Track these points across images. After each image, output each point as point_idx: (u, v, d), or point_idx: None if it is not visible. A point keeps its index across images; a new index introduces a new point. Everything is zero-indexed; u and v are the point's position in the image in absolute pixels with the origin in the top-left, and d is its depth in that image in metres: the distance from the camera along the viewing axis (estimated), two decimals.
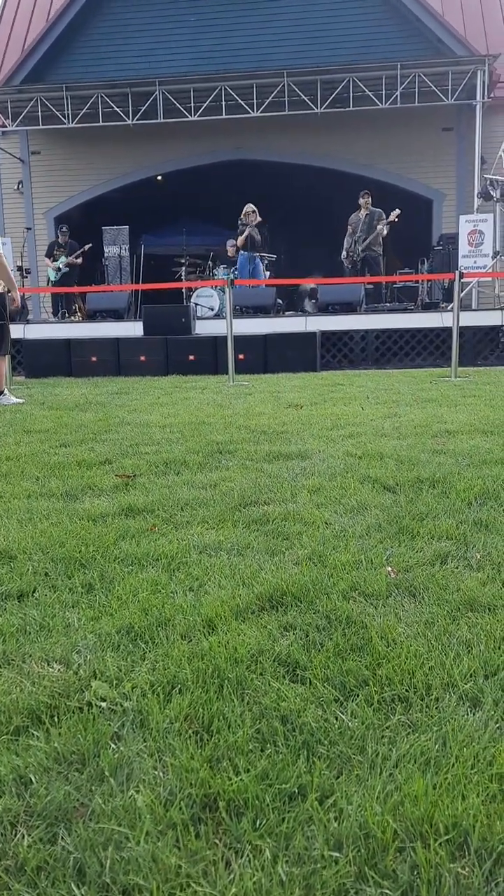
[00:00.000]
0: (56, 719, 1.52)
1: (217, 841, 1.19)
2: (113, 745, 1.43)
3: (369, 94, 13.26)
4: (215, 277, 13.06)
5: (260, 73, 13.40)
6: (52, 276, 13.25)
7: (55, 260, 13.18)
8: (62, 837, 1.21)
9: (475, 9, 15.37)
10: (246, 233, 12.10)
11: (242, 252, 12.28)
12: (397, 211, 11.77)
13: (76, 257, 13.13)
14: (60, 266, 13.10)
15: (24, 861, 1.16)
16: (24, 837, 1.21)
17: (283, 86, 13.27)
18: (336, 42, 14.35)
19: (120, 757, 1.40)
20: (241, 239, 12.20)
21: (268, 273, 12.74)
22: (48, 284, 13.58)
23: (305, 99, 13.41)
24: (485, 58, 13.05)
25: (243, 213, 12.25)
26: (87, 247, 13.22)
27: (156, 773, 1.35)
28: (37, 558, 2.44)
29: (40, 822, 1.24)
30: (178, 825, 1.22)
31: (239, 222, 12.36)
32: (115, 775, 1.35)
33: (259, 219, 12.25)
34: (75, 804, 1.28)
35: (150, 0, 14.74)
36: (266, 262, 12.82)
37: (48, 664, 1.74)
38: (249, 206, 12.25)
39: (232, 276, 11.08)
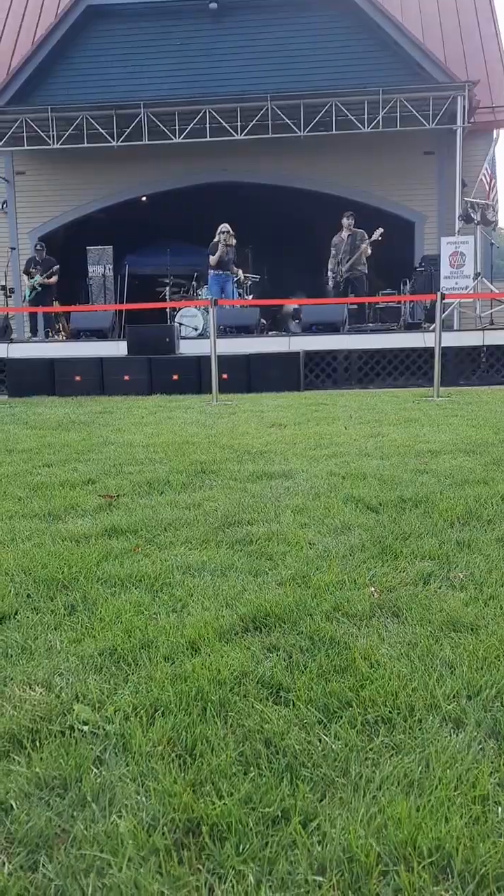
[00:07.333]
0: (38, 743, 1.51)
1: (200, 866, 1.18)
2: (95, 770, 1.42)
3: (352, 118, 13.44)
4: (199, 297, 13.09)
5: (244, 96, 13.55)
6: (28, 294, 13.24)
7: (31, 278, 13.16)
8: (43, 865, 1.19)
9: (455, 36, 15.67)
10: (219, 252, 12.07)
11: (213, 272, 12.23)
12: (380, 230, 11.88)
13: (48, 277, 13.01)
14: (35, 285, 13.07)
15: (4, 889, 1.14)
16: (4, 865, 1.19)
17: (267, 109, 13.42)
18: (319, 67, 14.56)
19: (102, 782, 1.38)
20: (214, 258, 12.14)
21: (250, 295, 12.75)
22: (24, 300, 13.52)
23: (289, 122, 13.56)
24: (464, 84, 13.28)
25: (218, 231, 12.17)
26: (55, 267, 13.11)
27: (138, 797, 1.34)
28: (19, 580, 2.42)
29: (21, 849, 1.23)
30: (160, 851, 1.21)
31: (218, 238, 12.25)
32: (98, 800, 1.33)
33: (234, 241, 12.24)
34: (56, 830, 1.27)
35: (135, 25, 14.91)
36: (250, 283, 12.84)
37: (30, 687, 1.72)
38: (225, 226, 12.20)
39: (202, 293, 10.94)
